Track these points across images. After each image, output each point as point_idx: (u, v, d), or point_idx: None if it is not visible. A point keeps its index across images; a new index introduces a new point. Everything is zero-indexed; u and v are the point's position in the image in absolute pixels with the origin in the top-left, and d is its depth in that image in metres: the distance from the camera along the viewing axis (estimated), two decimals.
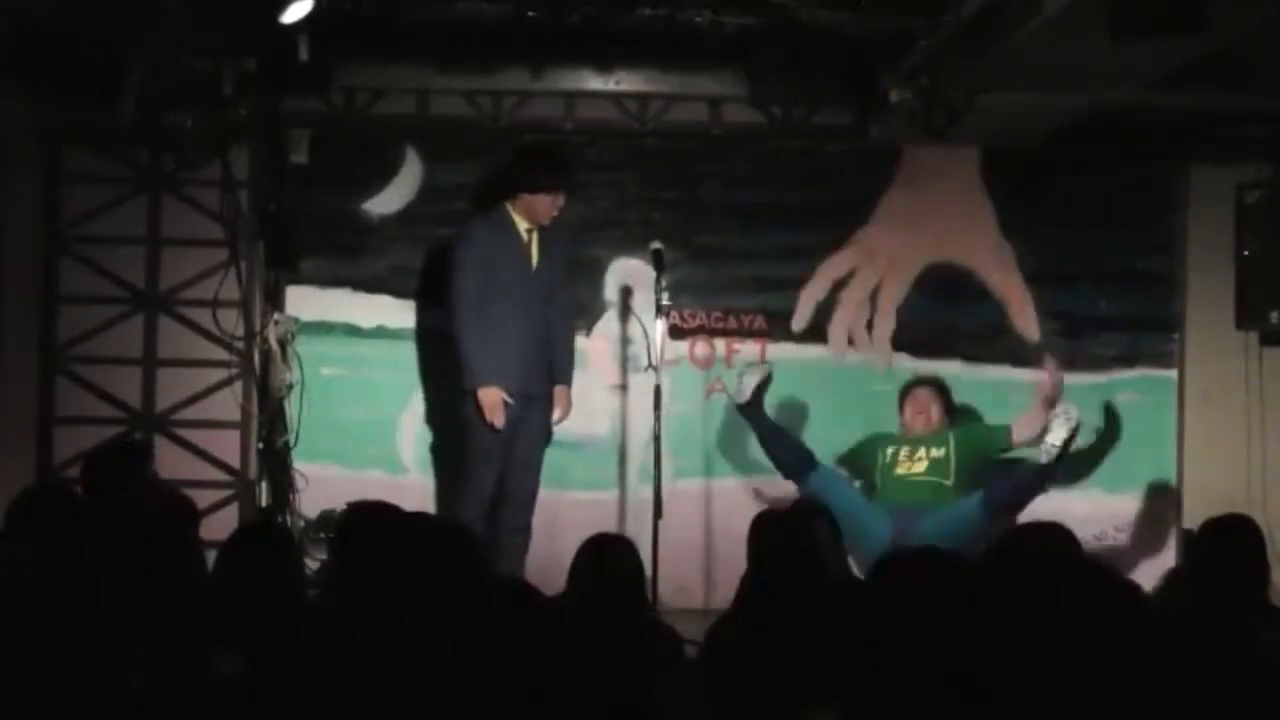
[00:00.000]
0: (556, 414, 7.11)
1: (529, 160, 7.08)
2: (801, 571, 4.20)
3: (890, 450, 7.23)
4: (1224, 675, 3.17)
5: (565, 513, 7.33)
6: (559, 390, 7.11)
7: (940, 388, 7.43)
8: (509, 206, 7.00)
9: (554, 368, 7.11)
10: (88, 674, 3.20)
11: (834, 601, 3.15)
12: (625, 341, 7.66)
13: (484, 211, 7.17)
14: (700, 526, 7.65)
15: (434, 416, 7.64)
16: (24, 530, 4.32)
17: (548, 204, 6.94)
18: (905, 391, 7.42)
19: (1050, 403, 6.93)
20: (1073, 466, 7.42)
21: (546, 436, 7.12)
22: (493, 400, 6.85)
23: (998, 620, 2.83)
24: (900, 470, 7.17)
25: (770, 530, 4.63)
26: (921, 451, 7.17)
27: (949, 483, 7.06)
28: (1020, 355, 7.87)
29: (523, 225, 7.00)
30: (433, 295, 7.44)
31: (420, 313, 7.67)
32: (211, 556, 4.03)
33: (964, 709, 2.68)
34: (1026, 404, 7.80)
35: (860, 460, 7.42)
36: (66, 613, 3.57)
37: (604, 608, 3.82)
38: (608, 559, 4.19)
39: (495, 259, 6.95)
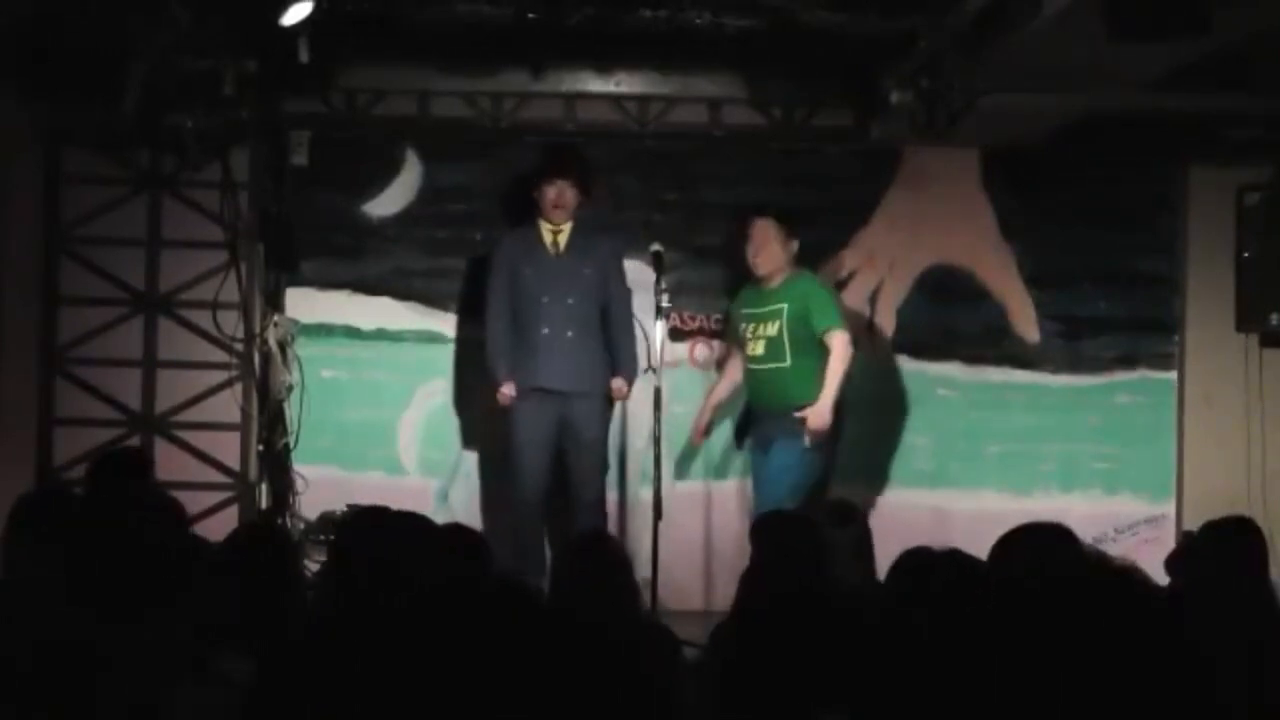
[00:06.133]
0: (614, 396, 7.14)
1: (539, 154, 7.25)
2: (807, 572, 4.21)
3: (744, 324, 7.15)
4: (1226, 677, 3.17)
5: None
6: (615, 382, 7.11)
7: (783, 216, 7.12)
8: (537, 216, 7.12)
9: (615, 363, 7.13)
10: (87, 678, 3.20)
11: (843, 604, 3.15)
12: None
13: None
14: (700, 529, 7.65)
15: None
16: (25, 534, 4.32)
17: (551, 195, 7.01)
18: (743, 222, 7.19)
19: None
20: None
21: (599, 438, 7.10)
22: (500, 396, 6.99)
23: (1005, 624, 2.83)
24: (749, 351, 7.10)
25: (777, 529, 4.64)
26: (761, 328, 7.06)
27: (785, 365, 6.98)
28: (1020, 357, 7.87)
29: (547, 227, 7.08)
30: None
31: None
32: None
33: (971, 712, 2.69)
34: (1025, 406, 7.84)
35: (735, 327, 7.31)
36: (65, 614, 3.57)
37: (593, 607, 3.81)
38: (594, 557, 4.17)
39: (518, 260, 7.07)
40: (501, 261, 7.11)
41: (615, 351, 7.13)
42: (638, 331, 7.34)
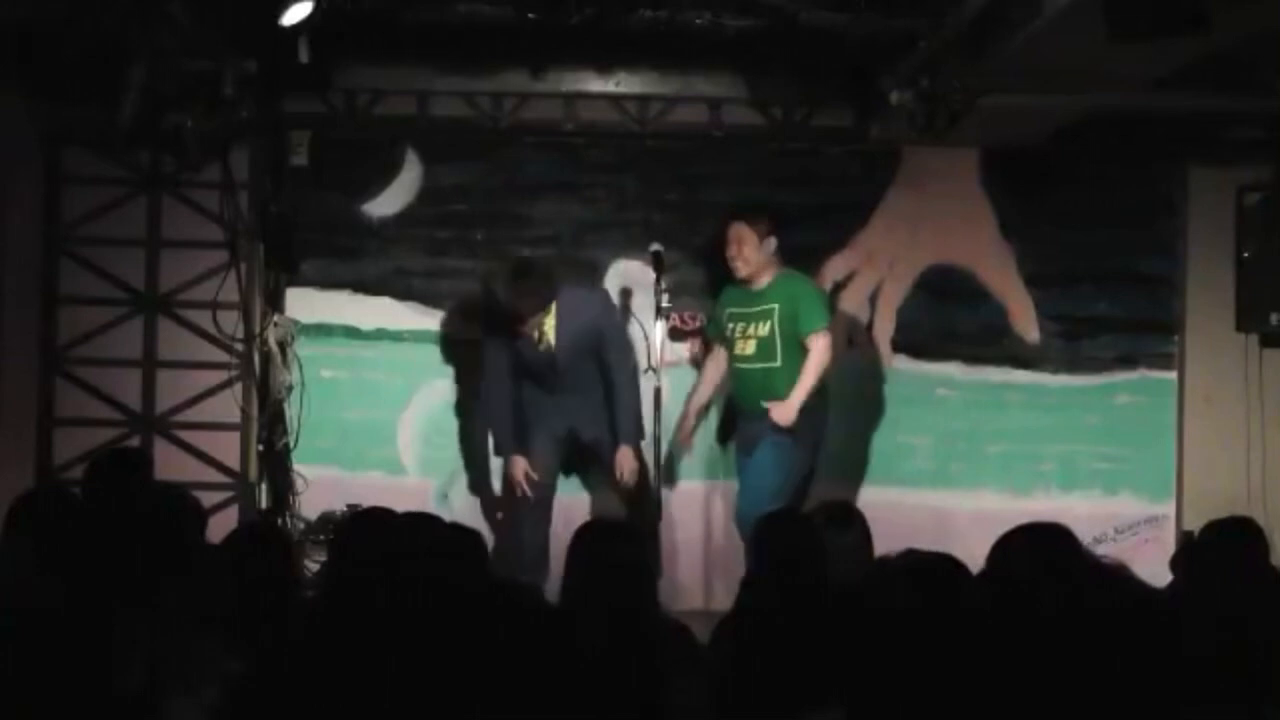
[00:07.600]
0: (617, 474, 7.05)
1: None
2: (805, 572, 4.21)
3: (731, 324, 7.13)
4: (1227, 678, 3.17)
5: (568, 514, 7.32)
6: (620, 450, 7.04)
7: (756, 217, 7.08)
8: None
9: (616, 430, 7.07)
10: (87, 678, 3.20)
11: (841, 603, 3.15)
12: None
13: None
14: (700, 528, 7.64)
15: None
16: (24, 532, 4.32)
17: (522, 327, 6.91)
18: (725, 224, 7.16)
19: None
20: None
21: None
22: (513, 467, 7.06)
23: (1002, 625, 2.83)
24: (737, 350, 7.09)
25: (777, 530, 4.64)
26: (751, 328, 7.05)
27: (777, 365, 6.96)
28: (1020, 357, 7.87)
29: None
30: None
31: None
32: None
33: (968, 712, 2.69)
34: (1025, 406, 7.84)
35: (719, 326, 7.28)
36: (64, 613, 3.56)
37: (603, 600, 3.80)
38: (606, 547, 4.15)
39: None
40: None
41: (617, 421, 7.06)
42: (637, 331, 7.34)
